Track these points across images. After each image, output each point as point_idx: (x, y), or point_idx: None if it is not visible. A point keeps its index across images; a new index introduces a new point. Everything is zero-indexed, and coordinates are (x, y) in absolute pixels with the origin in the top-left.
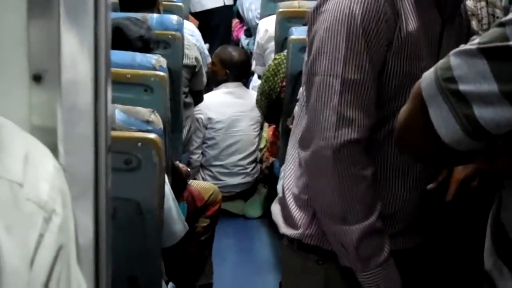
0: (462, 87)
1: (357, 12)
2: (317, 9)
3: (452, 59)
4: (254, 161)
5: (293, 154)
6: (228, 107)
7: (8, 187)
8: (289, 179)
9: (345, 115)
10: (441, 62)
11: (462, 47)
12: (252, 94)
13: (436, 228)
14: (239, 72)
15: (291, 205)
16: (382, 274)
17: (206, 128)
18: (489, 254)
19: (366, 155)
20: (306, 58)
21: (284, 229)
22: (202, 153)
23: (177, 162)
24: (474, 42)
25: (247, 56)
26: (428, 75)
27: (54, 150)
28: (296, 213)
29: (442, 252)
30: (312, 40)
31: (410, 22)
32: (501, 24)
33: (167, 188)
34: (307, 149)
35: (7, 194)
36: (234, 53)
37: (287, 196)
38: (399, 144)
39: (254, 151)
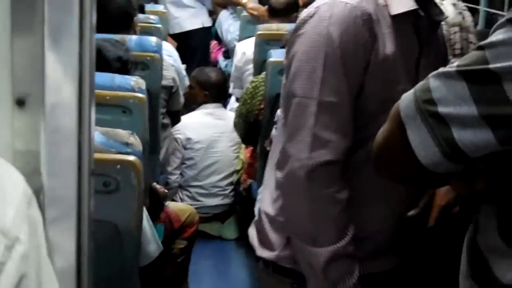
0: (441, 109)
1: (334, 34)
2: (295, 31)
3: (432, 81)
4: (232, 183)
5: (270, 176)
6: (208, 127)
7: None
8: (266, 201)
9: (321, 137)
10: (420, 84)
11: (442, 69)
12: (231, 115)
13: (411, 251)
14: (217, 93)
15: (267, 227)
16: None
17: (185, 148)
18: (464, 278)
19: (341, 177)
20: (284, 80)
21: (259, 251)
22: (181, 173)
23: (154, 183)
24: (453, 65)
25: (224, 76)
26: (407, 97)
27: (36, 173)
28: (272, 235)
29: (417, 276)
30: (290, 62)
31: (387, 46)
32: (481, 47)
33: (144, 213)
34: (282, 169)
35: None
36: (211, 74)
37: (263, 218)
38: (377, 164)
39: (232, 173)
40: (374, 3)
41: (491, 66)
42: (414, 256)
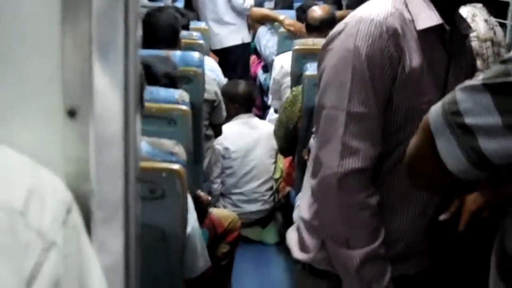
0: (467, 120)
1: (362, 49)
2: (325, 47)
3: (458, 94)
4: (271, 188)
5: (307, 184)
6: (243, 137)
7: (7, 214)
8: (303, 206)
9: (350, 146)
10: (447, 96)
11: (467, 82)
12: (265, 123)
13: (442, 254)
14: (246, 103)
15: (303, 231)
16: None
17: (224, 158)
18: (494, 282)
19: (371, 183)
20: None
21: (296, 253)
22: (221, 182)
23: (199, 191)
24: (478, 78)
25: (251, 87)
26: (435, 109)
27: (86, 178)
28: (308, 238)
29: (447, 278)
30: (321, 76)
31: (414, 59)
32: (504, 61)
33: (196, 224)
34: (315, 177)
35: (5, 221)
36: (238, 87)
37: (300, 223)
38: (409, 173)
39: (270, 178)
40: (401, 18)
41: None
42: (445, 259)
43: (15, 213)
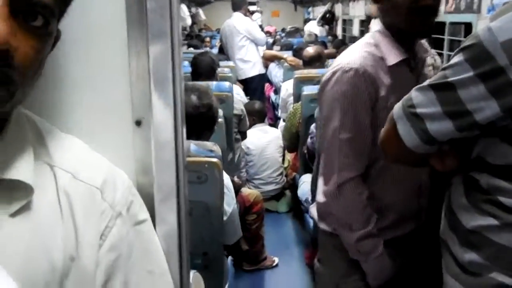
0: (418, 110)
1: (346, 92)
2: (321, 91)
3: (412, 92)
4: (281, 174)
5: (321, 181)
6: (259, 139)
7: (90, 189)
8: (318, 190)
9: (344, 162)
10: (405, 96)
11: (418, 86)
12: (274, 129)
13: (423, 219)
14: (260, 116)
15: (319, 209)
16: (377, 263)
17: (247, 154)
18: (444, 229)
19: (363, 184)
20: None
21: (319, 223)
22: (246, 171)
23: (233, 177)
24: (425, 83)
25: (262, 104)
26: (397, 105)
27: (150, 170)
28: (325, 215)
29: (427, 238)
30: (321, 109)
31: (387, 89)
32: (443, 69)
33: (235, 205)
34: (326, 184)
35: (89, 194)
36: (254, 105)
37: (317, 204)
38: (383, 151)
39: (280, 167)
40: (373, 58)
41: (449, 79)
42: (425, 223)
43: (95, 189)
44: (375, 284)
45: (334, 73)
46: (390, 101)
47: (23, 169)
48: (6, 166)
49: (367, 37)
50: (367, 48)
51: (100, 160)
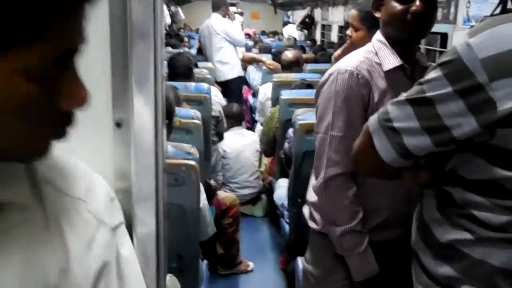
0: (395, 124)
1: (340, 92)
2: (318, 90)
3: (389, 106)
4: (257, 178)
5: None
6: (236, 142)
7: (74, 201)
8: (310, 193)
9: (332, 158)
10: (381, 109)
11: (395, 99)
12: (251, 132)
13: (411, 225)
14: (237, 119)
15: (311, 209)
16: (360, 260)
17: (223, 157)
18: (416, 241)
19: (350, 181)
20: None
21: (309, 223)
22: (222, 174)
23: (209, 179)
24: (402, 96)
25: (240, 107)
26: (373, 118)
27: (128, 171)
28: (315, 213)
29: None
30: (316, 109)
31: (381, 92)
32: (420, 83)
33: (205, 202)
34: (315, 179)
35: (73, 206)
36: (232, 108)
37: (310, 204)
38: (355, 164)
39: (256, 171)
40: (370, 63)
41: (427, 94)
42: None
43: (78, 200)
44: (358, 280)
45: (331, 74)
46: (383, 104)
47: (18, 189)
48: (1, 187)
49: (369, 45)
50: (367, 55)
51: (79, 167)
